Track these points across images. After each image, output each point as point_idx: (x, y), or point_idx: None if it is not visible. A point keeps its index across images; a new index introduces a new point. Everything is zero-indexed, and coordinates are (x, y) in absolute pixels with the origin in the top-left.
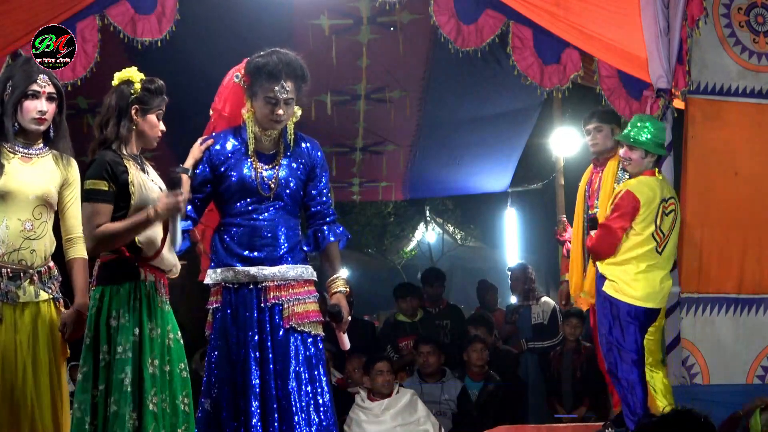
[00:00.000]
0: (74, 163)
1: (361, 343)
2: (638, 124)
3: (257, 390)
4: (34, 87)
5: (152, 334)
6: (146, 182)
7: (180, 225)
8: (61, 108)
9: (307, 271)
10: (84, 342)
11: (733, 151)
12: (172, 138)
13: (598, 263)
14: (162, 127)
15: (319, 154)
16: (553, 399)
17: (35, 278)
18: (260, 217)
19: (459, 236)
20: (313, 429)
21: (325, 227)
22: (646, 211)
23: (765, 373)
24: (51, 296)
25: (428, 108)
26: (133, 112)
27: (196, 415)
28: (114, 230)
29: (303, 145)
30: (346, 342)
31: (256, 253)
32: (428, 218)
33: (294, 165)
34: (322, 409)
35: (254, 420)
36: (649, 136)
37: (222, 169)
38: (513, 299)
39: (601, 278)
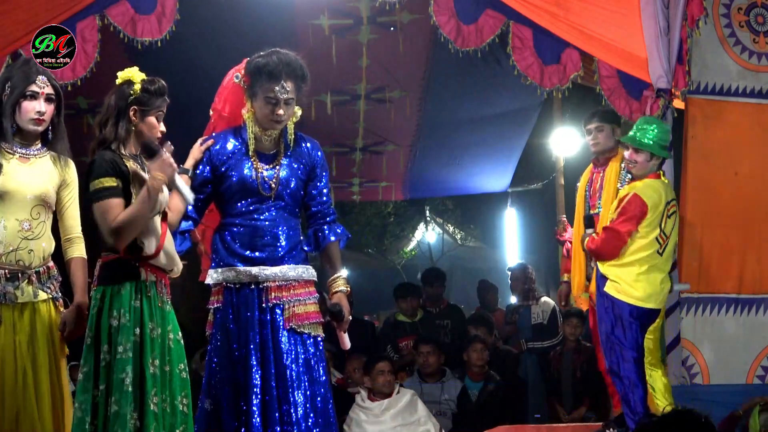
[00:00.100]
0: (72, 164)
1: (361, 343)
2: (643, 127)
3: (258, 390)
4: (33, 88)
5: (153, 334)
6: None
7: (183, 182)
8: (59, 109)
9: (308, 272)
10: (85, 342)
11: (733, 151)
12: (172, 138)
13: (599, 264)
14: (162, 128)
15: (319, 153)
16: (553, 399)
17: (33, 278)
18: (261, 217)
19: (459, 236)
20: (313, 429)
21: (325, 227)
22: (652, 216)
23: (765, 373)
24: (50, 296)
25: (428, 108)
26: (131, 113)
27: (195, 415)
28: (127, 216)
29: (303, 144)
30: (346, 341)
31: (257, 253)
32: (428, 218)
33: (294, 165)
34: (321, 409)
35: (255, 420)
36: (654, 139)
37: (222, 170)
38: (513, 299)
39: (602, 278)
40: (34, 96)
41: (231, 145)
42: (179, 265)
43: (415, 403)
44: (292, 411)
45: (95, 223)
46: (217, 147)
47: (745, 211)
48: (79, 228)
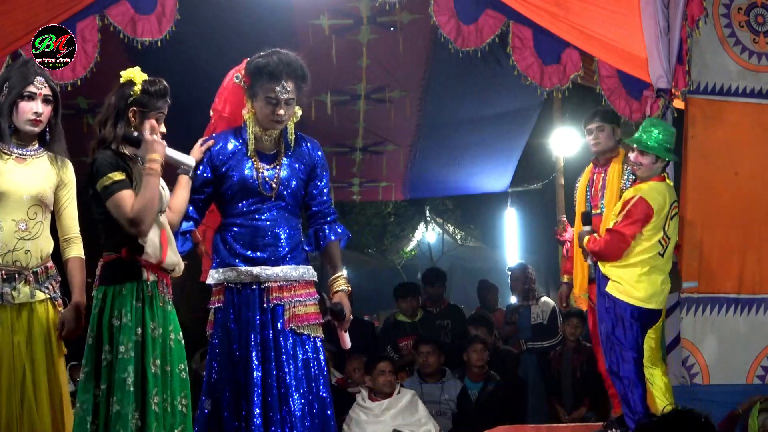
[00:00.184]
0: (70, 165)
1: (361, 343)
2: (649, 129)
3: (259, 390)
4: (31, 88)
5: (154, 334)
6: None
7: (175, 151)
8: (56, 110)
9: (309, 272)
10: (86, 342)
11: (733, 151)
12: (172, 138)
13: (600, 264)
14: (162, 129)
15: (319, 153)
16: (553, 399)
17: (30, 279)
18: (262, 218)
19: (459, 236)
20: (313, 430)
21: (325, 227)
22: (657, 218)
23: (765, 373)
24: (48, 296)
25: (428, 108)
26: (130, 114)
27: (195, 415)
28: (142, 202)
29: (303, 144)
30: (347, 341)
31: (258, 254)
32: (428, 218)
33: (295, 165)
34: (320, 411)
35: (256, 420)
36: (660, 142)
37: (223, 170)
38: (513, 299)
39: (604, 279)
40: (32, 97)
41: (231, 145)
42: (181, 264)
43: (416, 403)
44: (291, 412)
45: (94, 223)
46: (218, 147)
47: (745, 211)
48: (77, 228)
